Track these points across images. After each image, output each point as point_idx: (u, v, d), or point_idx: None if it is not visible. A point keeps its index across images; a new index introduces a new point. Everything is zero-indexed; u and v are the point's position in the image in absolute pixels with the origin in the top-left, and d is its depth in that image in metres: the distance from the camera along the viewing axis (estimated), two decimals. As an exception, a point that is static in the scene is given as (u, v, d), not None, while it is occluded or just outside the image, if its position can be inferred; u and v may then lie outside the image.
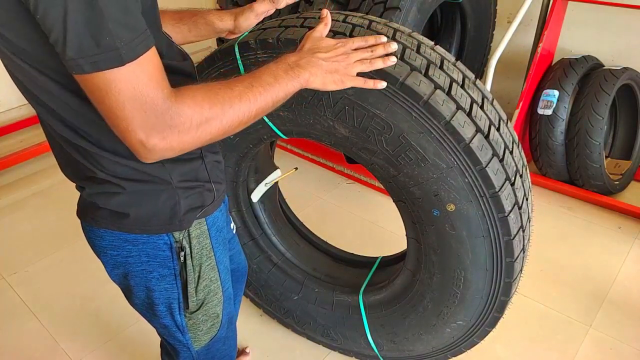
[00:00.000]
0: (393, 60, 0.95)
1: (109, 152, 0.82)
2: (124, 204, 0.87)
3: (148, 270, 0.94)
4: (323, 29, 0.96)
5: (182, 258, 0.94)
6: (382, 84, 0.95)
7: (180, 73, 0.88)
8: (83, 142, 0.81)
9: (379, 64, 0.94)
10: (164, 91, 0.70)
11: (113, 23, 0.64)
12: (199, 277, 0.99)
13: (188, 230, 0.94)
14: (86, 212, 0.92)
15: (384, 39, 0.96)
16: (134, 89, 0.67)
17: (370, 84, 0.94)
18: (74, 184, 0.93)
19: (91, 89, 0.68)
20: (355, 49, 0.93)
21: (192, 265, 0.97)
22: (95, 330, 1.86)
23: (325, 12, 0.97)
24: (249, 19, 1.09)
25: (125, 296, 1.03)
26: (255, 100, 0.79)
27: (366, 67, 0.93)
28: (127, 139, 0.71)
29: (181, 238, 0.93)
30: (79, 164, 0.85)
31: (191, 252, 0.95)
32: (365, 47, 0.94)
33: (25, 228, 2.40)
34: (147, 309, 1.02)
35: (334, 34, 1.15)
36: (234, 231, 1.24)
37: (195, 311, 1.02)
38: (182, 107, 0.72)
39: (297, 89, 0.85)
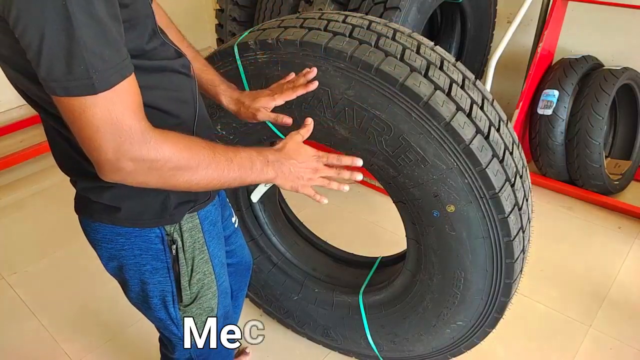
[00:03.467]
0: (346, 188, 0.99)
1: None
2: (115, 198, 0.89)
3: (141, 264, 0.96)
4: (305, 134, 0.99)
5: (174, 251, 0.96)
6: (324, 200, 0.97)
7: (172, 71, 0.89)
8: (73, 136, 0.82)
9: (334, 186, 0.98)
10: (141, 123, 0.71)
11: (88, 52, 0.65)
12: (192, 270, 1.00)
13: (179, 224, 0.95)
14: (81, 206, 0.94)
15: (358, 162, 0.99)
16: (110, 114, 0.68)
17: (317, 197, 0.97)
18: (69, 179, 0.95)
19: (63, 110, 0.69)
20: (326, 164, 0.96)
21: (185, 259, 0.98)
22: (95, 330, 1.86)
23: (310, 121, 1.01)
24: (249, 119, 1.12)
25: (122, 289, 1.05)
26: (227, 175, 0.83)
27: (325, 185, 0.96)
28: (96, 157, 0.71)
29: (172, 231, 0.95)
30: (71, 157, 0.87)
31: (183, 245, 0.97)
32: (336, 166, 0.97)
33: (25, 228, 2.40)
34: (142, 302, 1.03)
35: (333, 34, 1.16)
36: (236, 225, 1.25)
37: (189, 304, 1.04)
38: (163, 147, 0.73)
39: (263, 182, 0.91)
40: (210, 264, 1.03)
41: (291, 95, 1.08)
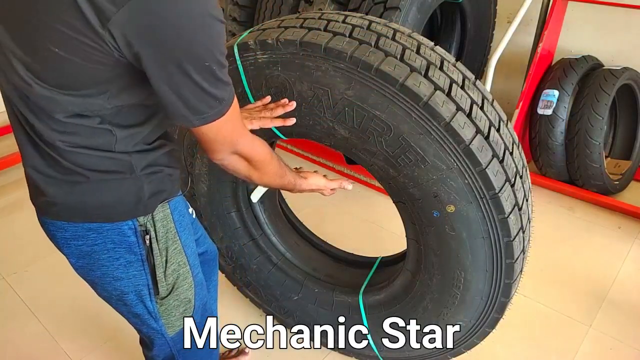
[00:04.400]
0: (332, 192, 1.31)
1: (81, 148, 0.84)
2: (86, 193, 0.88)
3: (115, 258, 0.95)
4: (333, 186, 1.26)
5: (147, 241, 0.96)
6: (349, 186, 1.32)
7: None
8: (63, 144, 0.83)
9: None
10: (246, 126, 0.94)
11: (220, 91, 0.80)
12: (166, 261, 1.00)
13: (152, 214, 0.95)
14: (46, 206, 0.91)
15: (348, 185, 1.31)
16: (232, 127, 0.87)
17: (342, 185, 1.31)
18: (27, 176, 0.92)
19: (197, 133, 0.85)
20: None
21: (159, 249, 0.98)
22: (95, 330, 1.86)
23: (348, 186, 1.30)
24: None
25: (93, 289, 1.04)
26: (272, 184, 1.10)
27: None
28: (215, 150, 0.89)
29: (145, 222, 0.95)
30: (48, 156, 0.86)
31: (156, 235, 0.97)
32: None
33: (25, 228, 2.40)
34: (117, 300, 1.03)
35: (333, 34, 1.16)
36: (193, 215, 1.26)
37: (166, 296, 1.04)
38: (260, 149, 0.97)
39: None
40: (183, 253, 1.04)
41: (268, 124, 1.20)
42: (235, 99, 0.86)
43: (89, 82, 0.77)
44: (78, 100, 0.79)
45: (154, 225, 0.96)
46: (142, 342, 1.20)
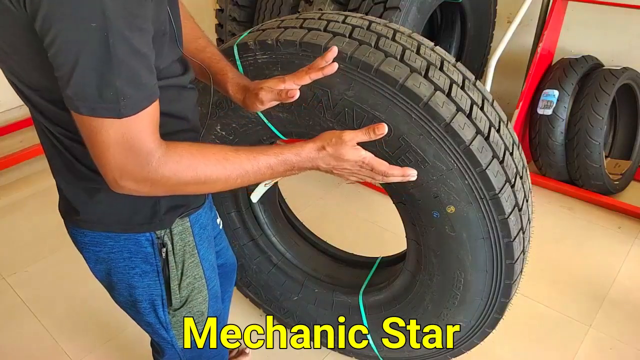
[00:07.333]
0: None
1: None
2: (103, 203, 0.88)
3: (130, 267, 0.95)
4: (361, 137, 0.88)
5: (164, 254, 0.95)
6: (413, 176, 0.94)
7: (175, 87, 0.88)
8: (69, 141, 0.83)
9: (374, 181, 0.95)
10: (151, 144, 0.72)
11: (122, 81, 0.65)
12: (181, 274, 0.99)
13: (170, 228, 0.95)
14: (68, 212, 0.93)
15: (412, 174, 0.92)
16: (122, 136, 0.69)
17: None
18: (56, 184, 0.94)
19: (81, 126, 0.70)
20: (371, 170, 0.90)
21: (175, 262, 0.97)
22: (95, 330, 1.86)
23: (383, 129, 0.87)
24: (254, 105, 1.01)
25: (109, 293, 1.04)
26: (239, 183, 0.82)
27: (358, 181, 0.94)
28: (102, 171, 0.73)
29: (163, 234, 0.94)
30: (64, 157, 0.86)
31: (173, 248, 0.96)
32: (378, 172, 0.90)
33: (25, 228, 2.40)
34: (131, 306, 1.03)
35: (333, 35, 1.15)
36: (221, 226, 1.25)
37: (179, 308, 1.03)
38: (164, 168, 0.73)
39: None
40: (200, 267, 1.03)
41: (304, 78, 0.94)
42: (153, 112, 0.71)
43: (30, 63, 0.72)
44: (37, 92, 0.76)
45: (172, 239, 0.95)
46: (153, 345, 1.20)
